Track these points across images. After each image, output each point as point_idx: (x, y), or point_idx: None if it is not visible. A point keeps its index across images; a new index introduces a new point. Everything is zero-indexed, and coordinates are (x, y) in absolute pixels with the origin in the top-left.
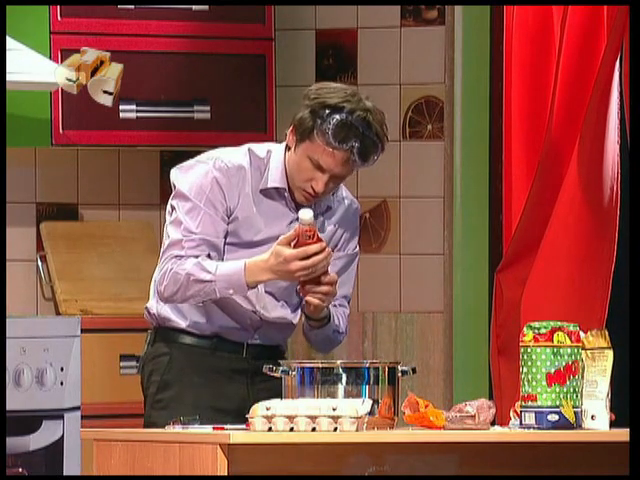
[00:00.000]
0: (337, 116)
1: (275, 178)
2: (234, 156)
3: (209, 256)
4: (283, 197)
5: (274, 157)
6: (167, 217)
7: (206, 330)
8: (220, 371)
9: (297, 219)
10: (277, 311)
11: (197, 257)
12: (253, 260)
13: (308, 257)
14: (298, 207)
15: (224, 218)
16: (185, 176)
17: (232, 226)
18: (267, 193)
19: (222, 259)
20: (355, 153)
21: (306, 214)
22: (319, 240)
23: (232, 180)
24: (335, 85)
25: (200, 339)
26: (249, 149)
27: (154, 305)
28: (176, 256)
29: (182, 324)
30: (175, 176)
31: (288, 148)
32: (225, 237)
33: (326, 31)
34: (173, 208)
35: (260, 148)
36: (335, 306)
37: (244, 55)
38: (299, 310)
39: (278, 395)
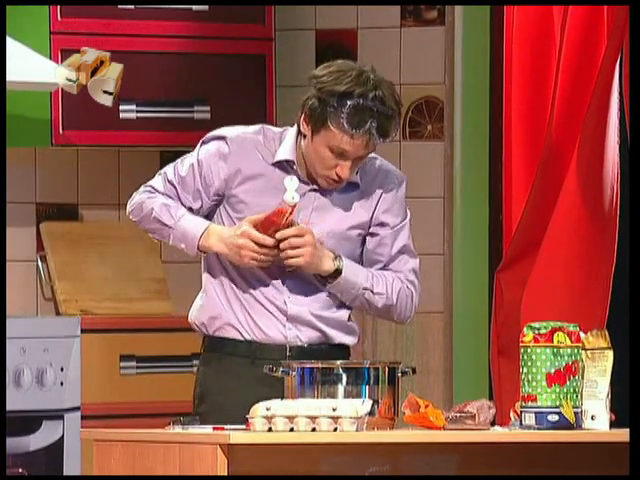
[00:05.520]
0: (349, 102)
1: (285, 151)
2: (245, 129)
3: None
4: (293, 170)
5: (289, 133)
6: None
7: (244, 330)
8: (259, 379)
9: (310, 191)
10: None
11: (170, 198)
12: (215, 227)
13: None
14: (310, 181)
15: (207, 187)
16: (210, 136)
17: (241, 196)
18: (279, 166)
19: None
20: (374, 133)
21: (289, 195)
22: (278, 221)
23: (237, 150)
24: (339, 68)
25: (239, 346)
26: (262, 126)
27: (194, 315)
28: (153, 188)
29: (223, 331)
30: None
31: (304, 136)
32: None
33: (326, 31)
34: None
35: (275, 128)
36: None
37: (244, 55)
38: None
39: None
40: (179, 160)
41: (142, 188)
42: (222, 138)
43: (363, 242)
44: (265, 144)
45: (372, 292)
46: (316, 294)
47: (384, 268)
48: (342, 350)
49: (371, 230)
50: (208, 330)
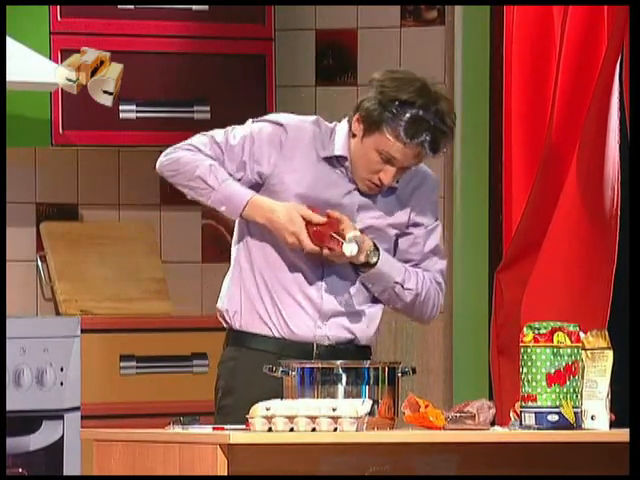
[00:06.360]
0: (409, 111)
1: (339, 147)
2: (303, 119)
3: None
4: (343, 166)
5: (340, 128)
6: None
7: (274, 327)
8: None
9: (355, 189)
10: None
11: (213, 160)
12: (262, 199)
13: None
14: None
15: (253, 163)
16: (266, 118)
17: (288, 184)
18: (329, 161)
19: None
20: (427, 147)
21: (347, 249)
22: (331, 248)
23: (293, 139)
24: (403, 76)
25: (268, 342)
26: (318, 117)
27: (225, 302)
28: (195, 147)
29: (252, 325)
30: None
31: (353, 135)
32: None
33: (326, 31)
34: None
35: (326, 122)
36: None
37: (244, 55)
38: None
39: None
40: (229, 128)
41: (182, 144)
42: (280, 125)
43: (396, 243)
44: (320, 137)
45: (402, 287)
46: (352, 292)
47: (415, 267)
48: (366, 351)
49: (406, 230)
50: (235, 323)
